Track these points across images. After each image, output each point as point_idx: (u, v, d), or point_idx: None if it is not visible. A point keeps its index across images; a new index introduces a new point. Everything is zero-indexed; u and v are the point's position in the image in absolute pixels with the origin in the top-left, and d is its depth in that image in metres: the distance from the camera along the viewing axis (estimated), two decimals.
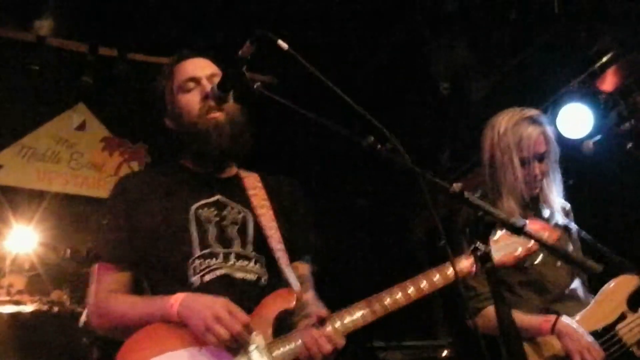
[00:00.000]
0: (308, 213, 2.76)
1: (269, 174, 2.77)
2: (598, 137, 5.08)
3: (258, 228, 2.53)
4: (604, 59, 5.33)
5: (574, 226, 3.37)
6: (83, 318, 5.19)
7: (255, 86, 2.25)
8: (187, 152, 2.65)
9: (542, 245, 1.88)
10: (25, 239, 5.94)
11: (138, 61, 6.01)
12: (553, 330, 2.94)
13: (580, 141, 4.99)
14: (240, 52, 2.20)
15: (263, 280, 2.45)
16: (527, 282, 3.14)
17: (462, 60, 6.13)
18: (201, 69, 2.61)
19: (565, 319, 2.97)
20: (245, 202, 2.58)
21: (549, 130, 3.33)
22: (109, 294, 2.39)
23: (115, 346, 2.33)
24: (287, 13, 5.50)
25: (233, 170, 2.70)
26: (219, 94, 2.44)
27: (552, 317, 2.96)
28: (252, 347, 2.18)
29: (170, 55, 2.73)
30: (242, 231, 2.50)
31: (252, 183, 2.67)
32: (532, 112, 3.36)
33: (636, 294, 3.12)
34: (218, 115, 2.50)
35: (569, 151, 4.72)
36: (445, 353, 5.64)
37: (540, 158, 3.27)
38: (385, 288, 2.40)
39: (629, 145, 4.82)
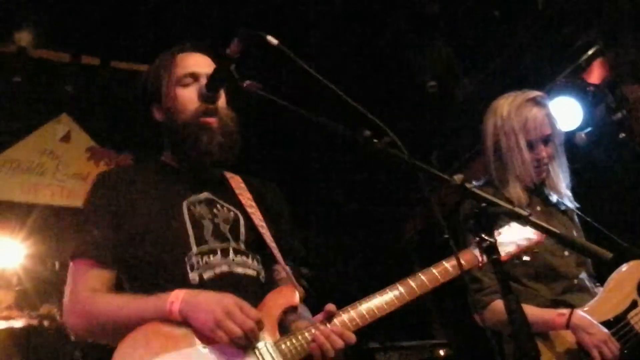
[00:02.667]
0: (290, 217, 2.71)
1: (250, 177, 2.71)
2: (589, 129, 5.09)
3: (250, 227, 2.47)
4: (590, 52, 5.35)
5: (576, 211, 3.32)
6: None
7: (245, 85, 2.20)
8: (171, 149, 2.56)
9: (551, 234, 1.83)
10: (12, 252, 5.87)
11: (121, 69, 5.94)
12: (568, 324, 2.86)
13: (571, 133, 4.99)
14: (228, 51, 2.15)
15: (262, 276, 2.41)
16: (534, 273, 3.07)
17: (447, 59, 6.12)
18: (201, 66, 2.53)
19: (579, 312, 2.90)
20: (234, 201, 2.52)
21: (552, 112, 3.28)
22: (93, 293, 2.23)
23: (108, 357, 2.26)
24: (272, 17, 5.47)
25: (217, 170, 2.62)
26: (207, 95, 2.39)
27: (567, 311, 2.88)
28: (260, 344, 2.10)
29: (154, 62, 2.67)
30: (234, 230, 2.43)
31: (237, 184, 2.61)
32: (535, 93, 3.28)
33: None
34: (212, 121, 2.43)
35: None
36: (442, 352, 5.61)
37: (546, 140, 3.19)
38: (378, 288, 2.36)
39: (622, 134, 4.83)
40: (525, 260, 2.68)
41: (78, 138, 6.27)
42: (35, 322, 5.43)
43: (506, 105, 3.23)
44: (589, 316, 2.93)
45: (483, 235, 1.77)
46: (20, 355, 5.29)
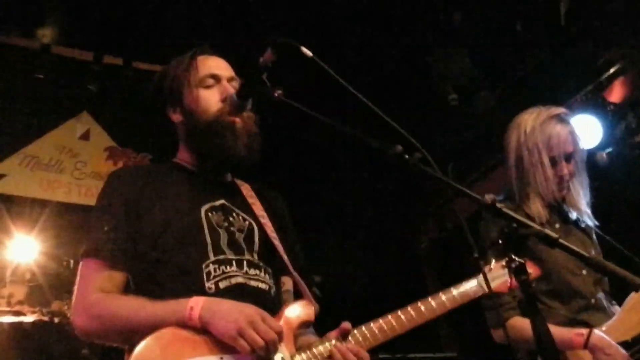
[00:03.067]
0: (294, 227, 2.69)
1: (258, 185, 2.68)
2: (609, 148, 5.08)
3: (263, 237, 2.45)
4: (611, 70, 5.34)
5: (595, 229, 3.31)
6: None
7: (276, 94, 2.21)
8: (189, 150, 2.52)
9: (580, 258, 1.83)
10: (27, 248, 5.89)
11: (143, 70, 5.96)
12: (586, 344, 2.85)
13: (591, 152, 4.98)
14: (261, 60, 2.16)
15: (273, 291, 2.38)
16: (552, 290, 3.05)
17: (468, 71, 6.12)
18: (223, 69, 2.52)
19: (597, 332, 2.88)
20: (248, 210, 2.50)
21: (576, 130, 3.27)
22: (105, 295, 2.17)
23: (116, 356, 2.22)
24: (292, 22, 5.48)
25: (229, 176, 2.60)
26: (237, 102, 2.39)
27: (585, 331, 2.87)
28: (278, 358, 2.08)
29: None
30: (249, 239, 2.40)
31: (247, 192, 2.58)
32: (559, 110, 3.27)
33: None
34: (237, 120, 2.40)
35: None
36: None
37: (568, 158, 3.18)
38: (391, 298, 2.37)
39: None
40: (544, 278, 2.67)
41: (97, 137, 6.31)
42: (46, 318, 5.45)
43: (530, 120, 3.22)
44: (607, 336, 2.91)
45: (512, 257, 1.76)
46: (29, 350, 5.31)
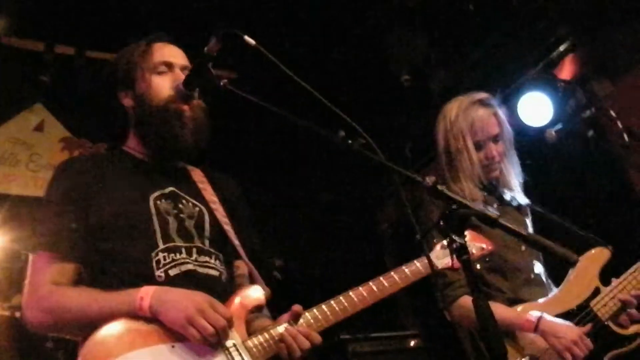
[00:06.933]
0: (249, 212, 2.73)
1: (210, 169, 2.72)
2: (559, 125, 5.16)
3: (214, 223, 2.48)
4: (561, 48, 5.42)
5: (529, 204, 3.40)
6: None
7: (222, 83, 2.23)
8: (138, 137, 2.54)
9: (519, 237, 1.89)
10: None
11: (96, 59, 5.89)
12: (536, 329, 2.93)
13: (542, 129, 5.06)
14: (206, 49, 2.18)
15: (224, 277, 2.41)
16: (493, 267, 3.15)
17: (421, 52, 6.16)
18: (177, 57, 2.57)
19: (546, 317, 2.96)
20: (198, 195, 2.53)
21: (501, 111, 3.37)
22: (56, 287, 2.18)
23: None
24: (244, 10, 5.46)
25: (180, 163, 2.63)
26: (184, 92, 2.42)
27: (534, 318, 2.95)
28: (229, 343, 2.12)
29: None
30: (199, 226, 2.43)
31: (199, 177, 2.62)
32: (482, 95, 3.39)
33: (608, 267, 3.13)
34: (185, 108, 2.44)
35: (532, 139, 4.81)
36: (412, 343, 5.67)
37: (495, 139, 3.30)
38: (352, 281, 2.41)
39: (590, 132, 4.91)
40: (486, 255, 2.75)
41: (52, 128, 6.20)
42: (7, 313, 5.39)
43: (454, 108, 3.35)
44: (552, 308, 3.01)
45: (453, 237, 1.81)
46: None
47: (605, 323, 3.01)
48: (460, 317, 3.05)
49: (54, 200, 2.34)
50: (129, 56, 2.57)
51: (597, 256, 3.17)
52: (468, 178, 3.26)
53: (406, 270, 2.47)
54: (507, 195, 3.33)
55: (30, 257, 2.29)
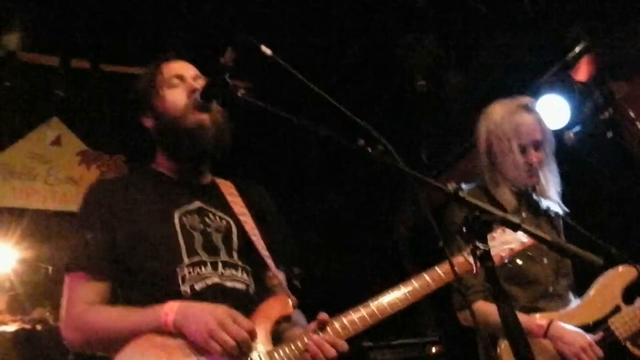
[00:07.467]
0: (282, 220, 2.75)
1: (240, 181, 2.74)
2: (577, 127, 5.12)
3: (242, 235, 2.49)
4: (577, 49, 5.38)
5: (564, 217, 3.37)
6: None
7: (240, 93, 2.23)
8: (164, 154, 2.59)
9: (541, 240, 1.87)
10: (5, 257, 5.84)
11: (111, 72, 5.93)
12: (546, 334, 2.92)
13: (559, 132, 5.02)
14: (222, 59, 2.17)
15: (251, 289, 2.42)
16: (512, 277, 3.12)
17: (435, 56, 6.13)
18: (186, 69, 2.60)
19: (556, 323, 2.95)
20: (226, 209, 2.54)
21: (543, 119, 3.35)
22: (88, 306, 2.27)
23: None
24: (257, 17, 5.47)
25: (209, 177, 2.66)
26: (202, 104, 2.43)
27: (545, 322, 2.95)
28: (254, 355, 2.12)
29: (144, 65, 2.72)
30: (227, 239, 2.45)
31: (228, 190, 2.64)
32: (526, 99, 3.39)
33: (633, 286, 3.09)
34: (204, 116, 2.46)
35: None
36: (434, 350, 5.64)
37: (537, 146, 3.28)
38: (370, 286, 2.39)
39: (609, 133, 4.86)
40: (505, 264, 2.73)
41: (69, 142, 6.23)
42: (28, 326, 5.41)
43: (499, 110, 3.32)
44: (568, 320, 2.98)
45: (477, 243, 1.79)
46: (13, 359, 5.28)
47: (624, 344, 2.96)
48: (473, 321, 3.06)
49: (82, 222, 2.42)
50: (141, 81, 2.64)
51: (623, 274, 3.13)
52: (508, 182, 3.24)
53: (439, 271, 2.43)
54: (543, 204, 3.30)
55: (65, 277, 2.36)
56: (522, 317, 2.94)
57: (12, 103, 5.91)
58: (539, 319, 2.98)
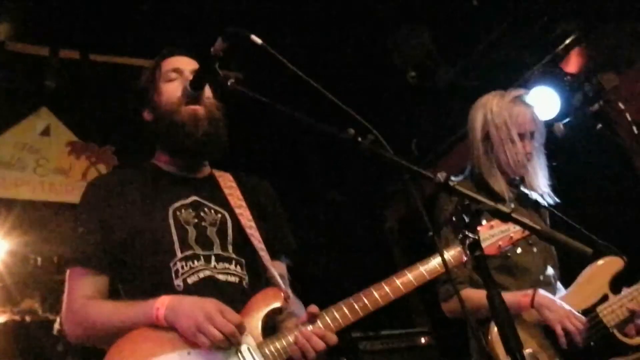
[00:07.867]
0: (282, 212, 2.76)
1: (241, 173, 2.76)
2: (567, 118, 5.14)
3: (237, 228, 2.50)
4: (567, 41, 5.39)
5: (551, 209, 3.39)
6: (57, 325, 5.13)
7: (229, 83, 2.23)
8: (161, 147, 2.62)
9: (533, 231, 1.88)
10: None
11: (101, 62, 5.90)
12: (532, 303, 2.95)
13: (549, 123, 5.03)
14: (212, 49, 2.17)
15: (245, 282, 2.42)
16: (502, 267, 3.15)
17: (426, 48, 6.13)
18: (185, 63, 2.62)
19: (542, 291, 3.00)
20: (223, 202, 2.56)
21: (535, 111, 3.39)
22: (86, 300, 2.32)
23: (91, 353, 2.32)
24: (246, 9, 5.45)
25: (207, 170, 2.68)
26: (191, 93, 2.43)
27: (530, 291, 2.98)
28: (243, 348, 2.14)
29: (134, 55, 2.73)
30: (221, 232, 2.47)
31: (227, 182, 2.65)
32: (521, 91, 3.42)
33: (619, 276, 3.13)
34: (197, 108, 2.48)
35: None
36: (423, 340, 5.66)
37: (530, 137, 3.31)
38: (360, 279, 2.40)
39: (599, 125, 4.88)
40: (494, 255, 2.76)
41: (58, 132, 6.20)
42: (17, 317, 5.42)
43: (495, 100, 3.35)
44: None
45: (466, 232, 1.80)
46: (2, 350, 5.28)
47: (611, 331, 3.00)
48: (455, 309, 3.11)
49: (84, 217, 2.46)
50: (142, 77, 2.67)
51: (610, 264, 3.16)
52: (502, 172, 3.27)
53: (434, 260, 2.44)
54: (532, 195, 3.32)
55: (67, 272, 2.41)
56: (508, 295, 2.98)
57: (0, 93, 5.88)
58: (524, 291, 3.01)
